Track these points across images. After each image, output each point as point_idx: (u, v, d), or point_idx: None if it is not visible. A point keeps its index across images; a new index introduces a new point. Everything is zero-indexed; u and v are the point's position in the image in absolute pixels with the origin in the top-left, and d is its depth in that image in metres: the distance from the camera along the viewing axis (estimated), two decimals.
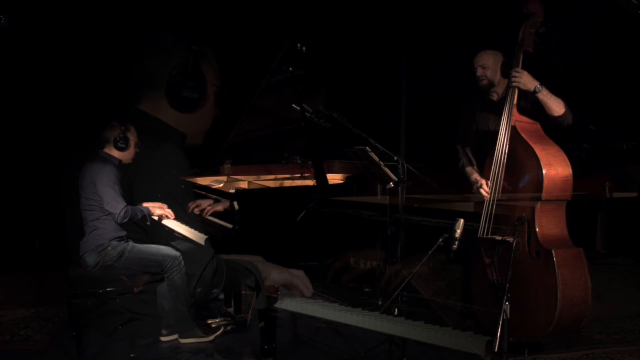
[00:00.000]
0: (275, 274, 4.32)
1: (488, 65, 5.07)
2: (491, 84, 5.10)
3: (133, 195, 5.58)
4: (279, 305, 4.25)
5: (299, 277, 4.24)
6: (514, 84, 4.75)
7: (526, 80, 4.73)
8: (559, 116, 4.73)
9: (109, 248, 5.15)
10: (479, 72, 5.10)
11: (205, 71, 6.96)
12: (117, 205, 5.10)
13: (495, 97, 5.15)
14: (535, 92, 4.71)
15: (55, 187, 6.89)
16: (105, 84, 6.93)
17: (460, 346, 3.48)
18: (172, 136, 6.38)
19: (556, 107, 4.72)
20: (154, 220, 5.42)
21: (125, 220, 5.15)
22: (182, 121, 6.68)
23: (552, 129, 4.83)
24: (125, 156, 5.36)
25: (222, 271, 5.32)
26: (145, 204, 5.33)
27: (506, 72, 4.94)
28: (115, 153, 5.30)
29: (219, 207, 5.27)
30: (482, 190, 4.86)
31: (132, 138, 5.37)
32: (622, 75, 6.70)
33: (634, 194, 4.67)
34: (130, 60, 6.88)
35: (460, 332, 3.55)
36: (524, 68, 4.78)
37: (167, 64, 6.73)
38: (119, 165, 5.32)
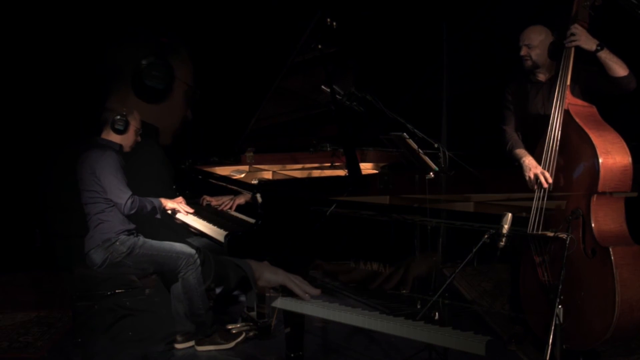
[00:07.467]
0: (268, 274, 4.49)
1: (534, 44, 4.96)
2: (536, 66, 5.01)
3: None
4: (294, 309, 4.35)
5: (294, 281, 4.44)
6: (572, 43, 4.63)
7: (586, 39, 4.62)
8: (623, 77, 4.61)
9: (117, 243, 5.09)
10: (524, 51, 4.99)
11: (176, 67, 7.04)
12: (122, 195, 5.04)
13: (542, 77, 5.07)
14: (597, 50, 4.58)
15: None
16: (76, 82, 7.05)
17: (459, 346, 3.56)
18: (146, 130, 6.44)
19: (619, 67, 4.60)
20: (164, 214, 5.38)
21: (133, 211, 5.08)
22: (147, 113, 6.69)
23: (614, 95, 4.74)
24: (124, 141, 5.31)
25: (210, 263, 5.39)
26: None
27: (555, 53, 4.86)
28: (114, 137, 5.25)
29: (241, 200, 5.35)
30: (539, 179, 4.75)
31: (134, 123, 5.33)
32: None
33: (634, 194, 4.71)
34: (100, 56, 6.98)
35: (459, 332, 3.61)
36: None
37: (137, 56, 6.81)
38: (120, 150, 5.27)
